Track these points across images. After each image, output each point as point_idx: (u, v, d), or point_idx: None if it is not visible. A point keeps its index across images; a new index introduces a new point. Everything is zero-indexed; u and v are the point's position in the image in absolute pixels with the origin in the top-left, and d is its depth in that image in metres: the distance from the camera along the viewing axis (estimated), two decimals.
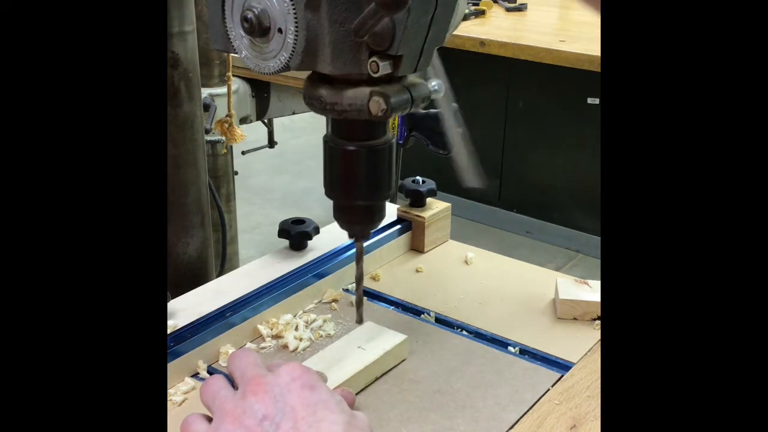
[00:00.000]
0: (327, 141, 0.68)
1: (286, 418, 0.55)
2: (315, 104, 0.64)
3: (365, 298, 0.87)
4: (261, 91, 1.84)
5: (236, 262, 1.87)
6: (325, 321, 0.87)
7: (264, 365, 0.62)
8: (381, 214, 0.72)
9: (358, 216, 0.71)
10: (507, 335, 0.85)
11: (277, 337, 0.84)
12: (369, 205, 0.71)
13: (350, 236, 0.74)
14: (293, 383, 0.58)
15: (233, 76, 1.47)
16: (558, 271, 1.05)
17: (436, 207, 1.05)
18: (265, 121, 2.05)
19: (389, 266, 1.00)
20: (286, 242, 0.97)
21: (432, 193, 1.06)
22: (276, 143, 2.27)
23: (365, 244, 0.77)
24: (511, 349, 0.83)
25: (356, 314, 0.80)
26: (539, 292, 0.93)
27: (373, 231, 0.76)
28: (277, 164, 4.07)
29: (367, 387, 0.76)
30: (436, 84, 0.67)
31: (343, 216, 0.72)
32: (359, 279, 0.77)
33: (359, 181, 0.68)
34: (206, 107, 1.45)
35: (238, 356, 0.63)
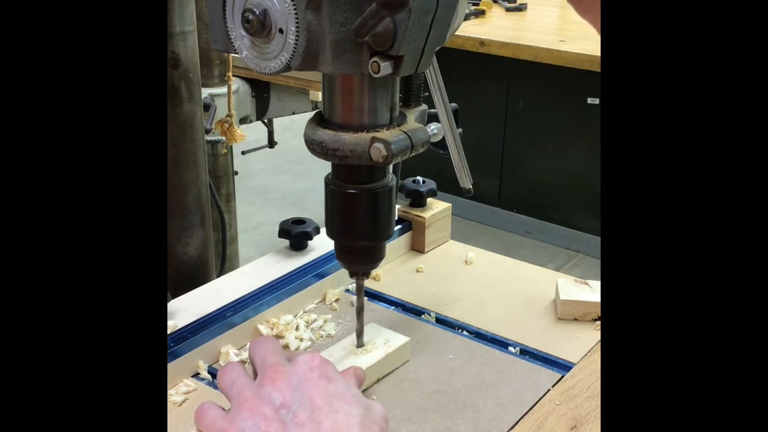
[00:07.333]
0: (328, 183, 0.69)
1: (303, 407, 0.56)
2: (316, 149, 0.65)
3: (366, 298, 0.87)
4: (261, 91, 1.84)
5: (236, 262, 1.87)
6: (325, 321, 0.87)
7: (284, 354, 0.62)
8: (381, 254, 0.73)
9: (358, 256, 0.73)
10: (507, 335, 0.85)
11: (277, 337, 0.84)
12: (370, 246, 0.72)
13: (351, 275, 0.75)
14: (311, 373, 0.59)
15: (233, 76, 1.47)
16: (558, 271, 1.05)
17: (437, 207, 1.05)
18: (265, 121, 2.05)
19: (389, 266, 1.00)
20: (286, 242, 0.97)
21: (432, 193, 1.06)
22: (276, 143, 2.27)
23: None
24: (511, 349, 0.83)
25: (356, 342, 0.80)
26: (539, 292, 0.93)
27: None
28: (277, 164, 4.07)
29: (367, 388, 0.76)
30: (435, 128, 0.68)
31: (344, 255, 0.73)
32: (359, 310, 0.78)
33: (360, 222, 0.69)
34: (206, 107, 1.45)
35: (259, 343, 0.64)
